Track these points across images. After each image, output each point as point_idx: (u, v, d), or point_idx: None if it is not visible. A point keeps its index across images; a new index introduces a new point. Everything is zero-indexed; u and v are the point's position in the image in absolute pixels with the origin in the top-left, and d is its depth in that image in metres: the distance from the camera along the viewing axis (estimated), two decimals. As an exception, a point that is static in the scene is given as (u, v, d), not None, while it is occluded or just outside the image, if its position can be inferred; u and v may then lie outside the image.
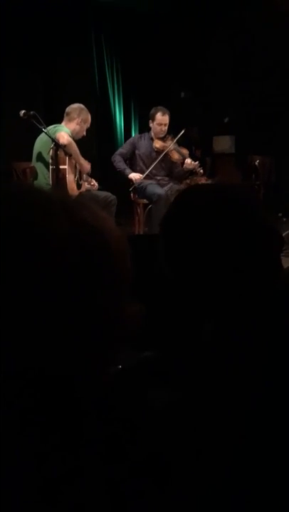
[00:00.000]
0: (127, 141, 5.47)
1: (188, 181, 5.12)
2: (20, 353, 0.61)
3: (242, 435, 0.78)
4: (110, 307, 0.66)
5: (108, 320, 0.66)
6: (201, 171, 5.21)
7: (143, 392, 0.90)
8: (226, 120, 7.25)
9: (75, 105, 4.57)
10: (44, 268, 0.61)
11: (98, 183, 4.87)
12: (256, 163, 6.35)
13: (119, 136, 7.47)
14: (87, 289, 0.63)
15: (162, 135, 5.14)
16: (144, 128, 5.31)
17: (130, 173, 5.08)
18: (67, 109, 4.55)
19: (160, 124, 5.08)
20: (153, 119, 5.12)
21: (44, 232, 0.62)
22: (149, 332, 1.34)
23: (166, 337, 1.11)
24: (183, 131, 5.13)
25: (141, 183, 5.05)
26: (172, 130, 5.20)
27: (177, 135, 5.15)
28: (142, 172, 5.09)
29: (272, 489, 0.76)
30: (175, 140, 5.14)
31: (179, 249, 0.95)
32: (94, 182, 4.83)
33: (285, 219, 5.02)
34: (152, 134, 5.17)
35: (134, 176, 5.04)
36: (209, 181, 4.56)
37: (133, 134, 7.25)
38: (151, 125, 5.17)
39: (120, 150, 5.27)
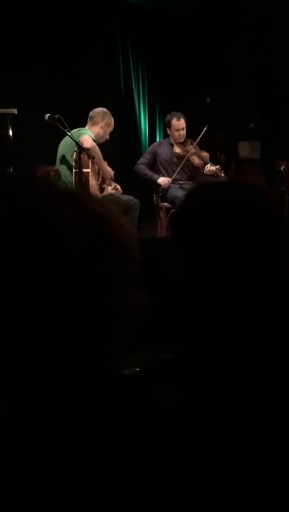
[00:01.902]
0: (147, 150, 5.48)
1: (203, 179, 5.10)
2: (24, 341, 0.60)
3: (247, 437, 0.76)
4: (115, 294, 0.65)
5: (113, 307, 0.65)
6: (223, 174, 5.19)
7: (153, 392, 0.89)
8: (252, 125, 7.21)
9: (99, 109, 4.60)
10: (45, 254, 0.61)
11: (121, 187, 4.89)
12: (281, 169, 6.30)
13: (143, 140, 7.49)
14: (92, 275, 0.63)
15: (181, 140, 5.14)
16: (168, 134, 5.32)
17: (158, 178, 5.09)
18: (91, 113, 4.58)
19: (177, 130, 5.08)
20: (170, 126, 5.14)
21: (45, 219, 0.62)
22: (160, 332, 1.33)
23: (176, 337, 1.10)
24: (203, 131, 5.09)
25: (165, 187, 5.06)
26: (196, 134, 5.19)
27: (196, 139, 5.13)
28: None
29: (275, 491, 0.75)
30: (195, 143, 5.13)
31: (189, 248, 0.92)
32: (118, 186, 4.84)
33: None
34: (172, 139, 5.18)
35: (164, 180, 5.05)
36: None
37: (158, 139, 7.26)
38: (169, 132, 5.19)
39: (142, 160, 5.28)
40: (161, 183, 5.04)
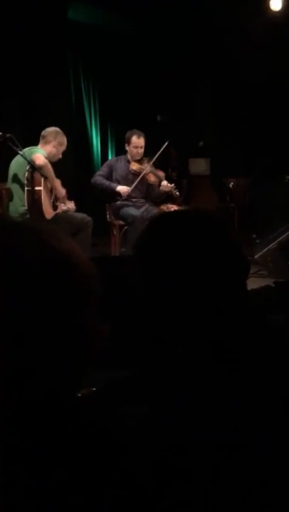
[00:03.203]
0: (105, 164, 5.51)
1: (163, 207, 5.20)
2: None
3: (215, 448, 0.80)
4: (77, 325, 0.68)
5: (74, 337, 0.68)
6: (177, 193, 5.28)
7: (115, 411, 0.91)
8: (201, 144, 7.38)
9: (51, 128, 4.61)
10: (12, 288, 0.63)
11: (75, 205, 4.89)
12: (231, 185, 6.46)
13: (95, 158, 7.53)
14: (53, 307, 0.66)
15: (139, 157, 5.20)
16: (121, 150, 5.37)
17: (117, 186, 5.12)
18: (43, 133, 4.59)
19: (136, 147, 5.15)
20: (129, 143, 5.19)
21: (13, 256, 0.65)
22: (122, 351, 1.36)
23: (139, 356, 1.13)
24: (162, 149, 5.18)
25: (117, 204, 5.09)
26: (149, 152, 5.28)
27: (153, 158, 5.22)
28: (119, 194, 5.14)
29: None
30: (152, 162, 5.21)
31: (152, 270, 0.98)
32: (71, 204, 4.84)
33: (258, 240, 5.09)
34: (129, 156, 5.24)
35: (122, 188, 5.08)
36: (183, 207, 4.67)
37: (110, 156, 7.32)
38: (127, 148, 5.23)
39: (99, 172, 5.30)
40: (120, 191, 5.07)
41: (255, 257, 4.82)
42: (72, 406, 0.74)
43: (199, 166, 7.54)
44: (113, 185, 5.13)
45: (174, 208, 4.99)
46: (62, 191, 4.63)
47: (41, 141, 4.57)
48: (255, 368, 0.89)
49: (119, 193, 5.08)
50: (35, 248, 0.66)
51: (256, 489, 0.79)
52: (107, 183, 5.15)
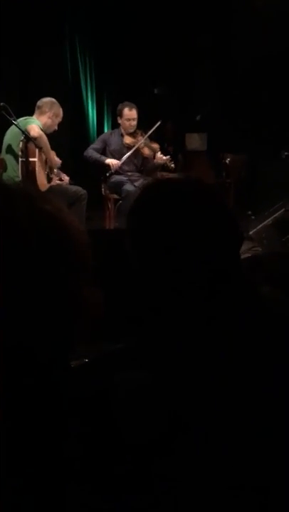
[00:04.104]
0: (99, 138, 5.46)
1: (158, 175, 5.14)
2: None
3: (215, 415, 0.80)
4: (69, 290, 0.68)
5: (66, 302, 0.68)
6: (172, 165, 5.24)
7: (111, 378, 0.91)
8: (198, 118, 7.30)
9: (47, 99, 4.54)
10: (4, 251, 0.62)
11: (70, 178, 4.85)
12: (227, 161, 6.42)
13: (91, 131, 7.45)
14: (46, 271, 0.65)
15: (132, 130, 5.14)
16: (117, 123, 5.31)
17: (106, 159, 5.07)
18: (39, 103, 4.53)
19: (128, 119, 5.08)
20: (121, 115, 5.13)
21: (6, 220, 0.64)
22: (115, 322, 1.35)
23: (133, 328, 1.13)
24: (157, 125, 5.13)
25: (112, 177, 5.05)
26: (146, 125, 5.21)
27: (148, 130, 5.16)
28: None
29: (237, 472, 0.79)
30: (146, 136, 5.15)
31: (144, 240, 0.97)
32: (65, 176, 4.80)
33: (253, 217, 5.08)
34: (122, 130, 5.17)
35: (112, 161, 5.03)
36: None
37: (106, 129, 7.24)
38: (120, 121, 5.17)
39: (92, 146, 5.26)
40: (110, 164, 5.02)
41: (250, 233, 4.81)
42: (65, 374, 0.74)
43: (196, 140, 7.47)
44: (103, 157, 5.08)
45: (167, 175, 4.94)
46: (57, 161, 4.59)
47: (36, 111, 4.51)
48: (245, 337, 0.89)
49: (109, 166, 5.03)
50: (29, 212, 0.66)
51: (258, 450, 0.80)
52: (98, 155, 5.10)
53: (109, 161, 5.04)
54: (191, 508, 0.78)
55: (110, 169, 5.02)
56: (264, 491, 0.79)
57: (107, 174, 5.05)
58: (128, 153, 5.05)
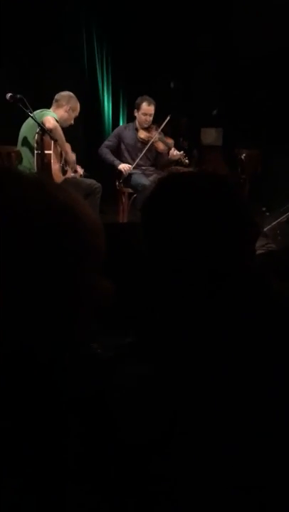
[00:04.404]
0: (113, 133, 5.44)
1: (172, 168, 5.12)
2: None
3: (217, 410, 0.80)
4: (80, 279, 0.68)
5: (77, 291, 0.68)
6: (187, 160, 5.22)
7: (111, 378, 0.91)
8: (214, 113, 7.25)
9: (65, 92, 4.55)
10: (19, 239, 0.62)
11: (84, 170, 4.86)
12: (242, 157, 6.37)
13: (106, 124, 7.44)
14: (58, 260, 0.65)
15: (147, 125, 5.13)
16: (133, 116, 5.30)
17: (119, 164, 5.05)
18: (57, 96, 4.53)
19: (145, 114, 5.06)
20: (138, 109, 5.10)
21: (19, 206, 0.64)
22: (126, 315, 1.35)
23: (144, 320, 1.13)
24: (167, 119, 5.11)
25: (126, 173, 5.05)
26: (160, 119, 5.19)
27: (160, 125, 5.14)
28: (128, 163, 5.08)
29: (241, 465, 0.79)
30: (160, 129, 5.13)
31: (158, 232, 0.97)
32: (79, 168, 4.81)
33: (268, 213, 5.05)
34: (137, 124, 5.16)
35: (124, 166, 5.02)
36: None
37: (121, 123, 7.22)
38: (136, 114, 5.15)
39: (106, 143, 5.24)
40: (122, 169, 5.03)
41: (265, 229, 4.78)
42: (64, 374, 0.74)
43: (211, 135, 7.43)
44: (116, 162, 5.06)
45: (182, 169, 4.92)
46: (72, 155, 4.59)
47: (54, 104, 4.52)
48: (249, 331, 0.89)
49: (121, 172, 5.02)
50: (43, 200, 0.65)
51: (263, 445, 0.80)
52: (111, 158, 5.08)
53: (121, 166, 5.02)
54: (190, 507, 0.77)
55: (123, 174, 5.01)
56: (264, 491, 0.79)
57: (120, 181, 5.05)
58: (141, 153, 5.04)
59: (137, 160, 5.04)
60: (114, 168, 5.06)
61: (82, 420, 0.72)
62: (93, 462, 0.71)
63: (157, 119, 5.18)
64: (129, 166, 5.02)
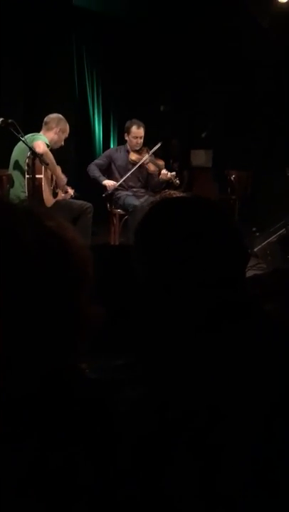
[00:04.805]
0: (104, 154, 5.51)
1: (164, 193, 5.16)
2: None
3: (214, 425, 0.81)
4: (69, 305, 0.69)
5: (67, 318, 0.69)
6: (178, 181, 5.27)
7: (113, 396, 0.92)
8: (204, 135, 7.35)
9: (54, 115, 4.60)
10: (8, 268, 0.64)
11: (74, 191, 4.88)
12: (232, 178, 6.44)
13: (97, 147, 7.51)
14: (49, 288, 0.66)
15: (138, 148, 5.19)
16: (123, 139, 5.36)
17: (104, 180, 5.11)
18: (46, 119, 4.58)
19: (135, 137, 5.14)
20: (128, 132, 5.18)
21: (11, 237, 0.65)
22: (117, 337, 1.36)
23: (136, 344, 1.14)
24: (159, 145, 5.20)
25: (118, 193, 5.09)
26: (151, 142, 5.26)
27: (153, 147, 5.21)
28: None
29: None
30: (151, 152, 5.19)
31: (153, 256, 0.98)
32: (69, 189, 4.84)
33: (258, 234, 5.09)
34: (128, 146, 5.23)
35: (108, 182, 5.08)
36: (184, 194, 4.62)
37: (112, 145, 7.30)
38: (126, 138, 5.23)
39: (96, 161, 5.31)
40: (106, 185, 5.07)
41: (255, 249, 4.81)
42: (65, 389, 0.74)
43: (201, 157, 7.52)
44: (101, 178, 5.12)
45: (175, 194, 4.97)
46: (63, 178, 4.63)
47: (43, 127, 4.56)
48: (250, 354, 0.89)
49: (105, 187, 5.07)
50: (33, 229, 0.67)
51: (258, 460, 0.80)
52: (97, 174, 5.14)
53: (106, 182, 5.09)
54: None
55: (107, 190, 5.06)
56: (264, 491, 0.79)
57: (103, 195, 5.10)
58: (129, 172, 5.10)
59: (125, 177, 5.08)
60: (99, 183, 5.11)
61: (83, 437, 0.73)
62: (95, 473, 0.71)
63: (148, 143, 5.24)
64: (114, 182, 5.07)
